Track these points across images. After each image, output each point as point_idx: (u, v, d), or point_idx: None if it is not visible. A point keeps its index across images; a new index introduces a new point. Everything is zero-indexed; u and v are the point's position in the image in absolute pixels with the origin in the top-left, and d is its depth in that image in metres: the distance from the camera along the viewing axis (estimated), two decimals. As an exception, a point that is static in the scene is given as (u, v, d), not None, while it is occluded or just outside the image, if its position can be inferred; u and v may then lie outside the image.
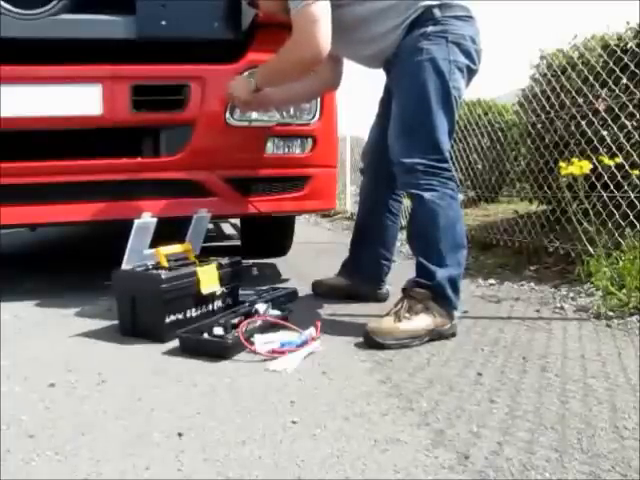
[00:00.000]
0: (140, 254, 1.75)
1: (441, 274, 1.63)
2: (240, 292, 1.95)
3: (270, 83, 1.87)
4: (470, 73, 1.73)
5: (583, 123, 2.64)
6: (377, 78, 1.98)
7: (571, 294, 2.17)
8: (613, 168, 2.29)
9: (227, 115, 2.07)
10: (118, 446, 1.00)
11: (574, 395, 1.22)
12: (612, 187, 2.39)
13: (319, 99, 2.21)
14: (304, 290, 2.22)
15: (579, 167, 2.06)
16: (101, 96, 1.97)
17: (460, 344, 1.60)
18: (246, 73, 2.02)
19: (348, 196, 6.27)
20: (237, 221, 4.08)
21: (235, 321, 1.63)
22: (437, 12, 1.65)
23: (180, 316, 1.66)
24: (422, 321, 1.60)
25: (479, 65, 1.76)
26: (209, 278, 1.74)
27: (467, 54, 1.68)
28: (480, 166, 4.22)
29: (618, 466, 0.93)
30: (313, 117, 2.23)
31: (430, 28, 1.65)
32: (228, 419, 1.11)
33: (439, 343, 1.60)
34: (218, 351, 1.48)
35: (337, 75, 2.05)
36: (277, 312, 1.76)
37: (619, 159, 2.26)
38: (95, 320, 1.84)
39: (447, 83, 1.65)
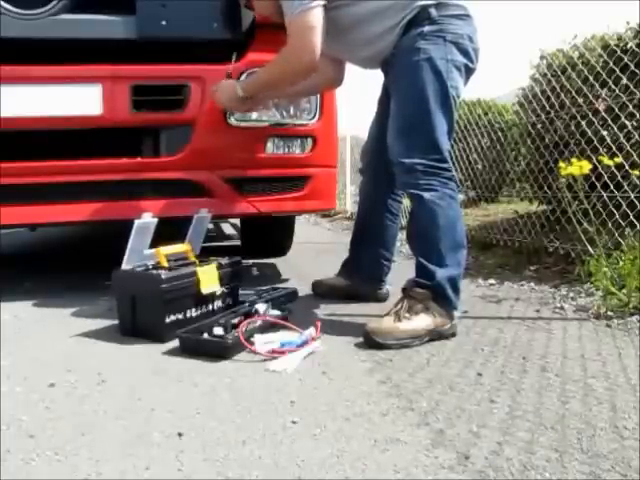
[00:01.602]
0: (140, 254, 1.75)
1: (441, 274, 1.63)
2: (240, 292, 1.94)
3: (261, 92, 1.87)
4: (468, 72, 1.73)
5: (583, 123, 2.64)
6: (377, 77, 1.98)
7: (571, 294, 2.17)
8: (613, 168, 2.29)
9: (227, 115, 2.07)
10: (118, 446, 1.00)
11: (574, 395, 1.22)
12: (612, 187, 2.40)
13: (319, 99, 2.21)
14: (304, 290, 2.21)
15: (578, 167, 2.05)
16: (101, 96, 1.97)
17: (460, 344, 1.60)
18: (244, 76, 2.02)
19: (348, 196, 6.27)
20: (237, 221, 4.07)
21: (235, 321, 1.63)
22: (433, 12, 1.65)
23: (180, 316, 1.66)
24: (422, 321, 1.60)
25: (477, 64, 1.76)
26: (209, 278, 1.74)
27: (465, 53, 1.68)
28: (480, 166, 4.22)
29: (618, 466, 0.93)
30: (313, 117, 2.23)
31: (427, 28, 1.65)
32: (228, 419, 1.11)
33: (439, 343, 1.60)
34: (218, 351, 1.48)
35: (339, 73, 2.04)
36: (277, 312, 1.76)
37: (619, 159, 2.25)
38: (95, 320, 1.84)
39: (445, 83, 1.64)
